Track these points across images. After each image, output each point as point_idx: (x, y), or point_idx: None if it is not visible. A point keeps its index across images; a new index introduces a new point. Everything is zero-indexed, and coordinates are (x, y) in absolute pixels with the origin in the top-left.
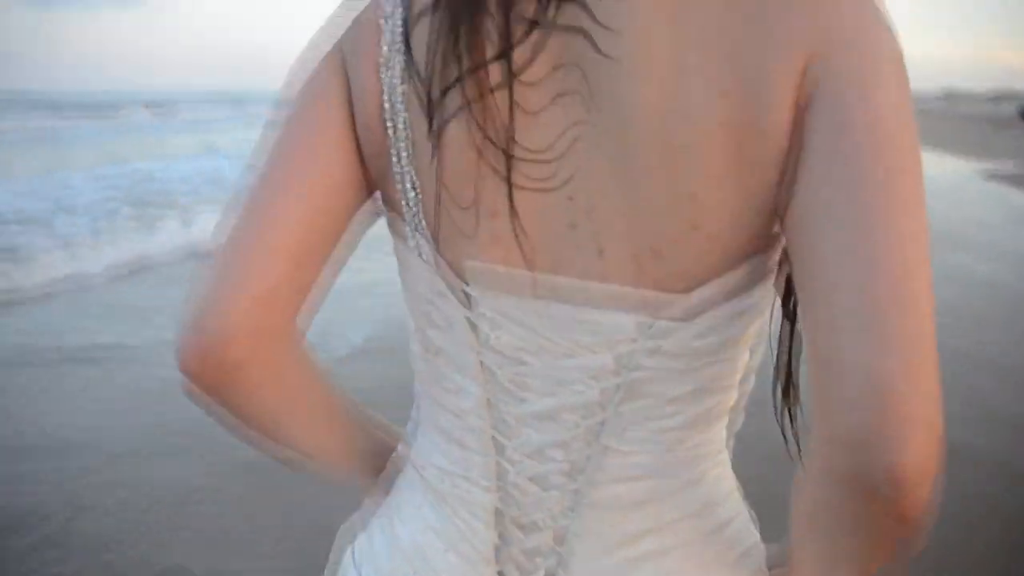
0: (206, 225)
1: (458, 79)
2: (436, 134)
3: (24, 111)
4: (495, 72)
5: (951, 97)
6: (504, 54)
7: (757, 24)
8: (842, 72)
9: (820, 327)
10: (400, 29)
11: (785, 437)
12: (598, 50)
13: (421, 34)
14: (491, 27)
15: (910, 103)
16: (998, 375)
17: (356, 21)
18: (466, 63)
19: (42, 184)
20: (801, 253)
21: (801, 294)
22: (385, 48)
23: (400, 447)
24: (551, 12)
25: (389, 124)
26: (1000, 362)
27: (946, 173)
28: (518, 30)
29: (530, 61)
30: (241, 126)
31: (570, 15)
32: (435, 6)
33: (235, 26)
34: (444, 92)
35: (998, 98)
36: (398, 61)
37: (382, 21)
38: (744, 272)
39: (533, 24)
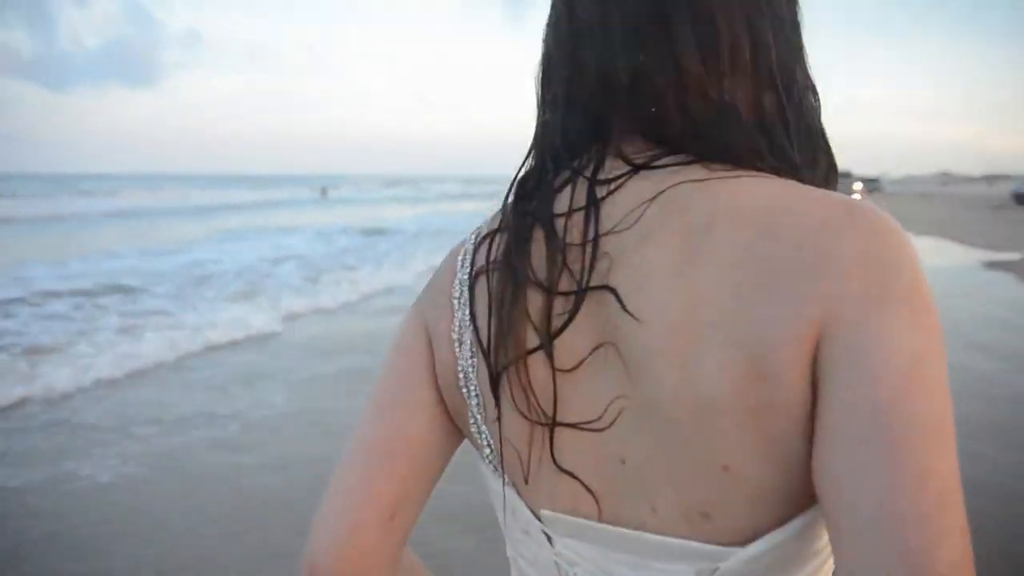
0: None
1: (506, 367)
2: (497, 407)
3: (35, 194)
4: (539, 360)
5: (947, 179)
6: (542, 347)
7: (765, 292)
8: (852, 347)
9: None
10: (468, 310)
11: None
12: (625, 309)
13: (483, 316)
14: (532, 327)
15: (935, 350)
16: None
17: (434, 287)
18: (512, 355)
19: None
20: (827, 501)
21: (828, 528)
22: (457, 327)
23: None
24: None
25: (464, 390)
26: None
27: (950, 264)
28: (557, 322)
29: (570, 347)
30: (249, 208)
31: (601, 293)
32: (489, 307)
33: (245, 110)
34: (498, 376)
35: (992, 178)
36: (467, 339)
37: (455, 302)
38: (800, 524)
39: (569, 319)
